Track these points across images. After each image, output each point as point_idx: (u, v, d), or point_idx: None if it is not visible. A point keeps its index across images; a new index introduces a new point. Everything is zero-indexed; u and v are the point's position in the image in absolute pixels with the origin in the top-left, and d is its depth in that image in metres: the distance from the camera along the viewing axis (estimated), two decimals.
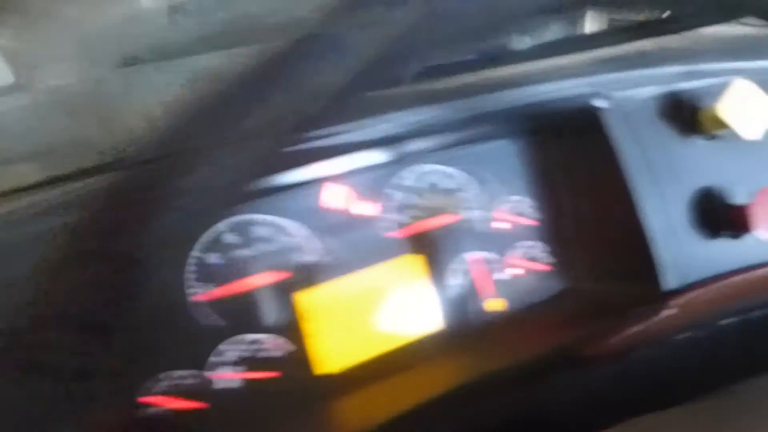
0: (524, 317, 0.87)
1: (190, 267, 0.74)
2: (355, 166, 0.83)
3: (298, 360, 0.78)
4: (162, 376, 0.72)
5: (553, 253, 0.91)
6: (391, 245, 0.84)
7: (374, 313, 0.82)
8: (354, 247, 0.82)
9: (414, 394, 0.73)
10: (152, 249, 0.68)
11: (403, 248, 0.84)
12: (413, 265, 0.84)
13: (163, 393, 0.72)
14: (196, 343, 0.74)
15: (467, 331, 0.86)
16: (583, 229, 0.88)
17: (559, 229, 0.91)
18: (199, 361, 0.74)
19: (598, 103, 0.81)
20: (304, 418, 0.72)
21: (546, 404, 0.73)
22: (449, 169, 0.88)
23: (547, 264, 0.91)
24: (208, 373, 0.74)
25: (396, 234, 0.84)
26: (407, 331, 0.83)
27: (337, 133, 0.69)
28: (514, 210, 0.90)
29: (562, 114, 0.82)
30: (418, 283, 0.84)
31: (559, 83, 0.79)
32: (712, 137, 0.84)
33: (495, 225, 0.89)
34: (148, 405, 0.71)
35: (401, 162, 0.85)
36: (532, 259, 0.90)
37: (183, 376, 0.73)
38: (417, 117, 0.74)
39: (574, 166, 0.88)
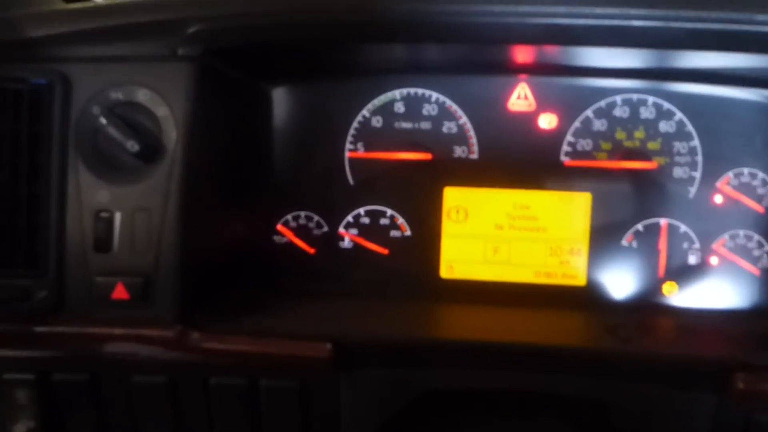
0: (700, 318, 0.70)
1: (355, 125, 0.74)
2: (560, 73, 0.72)
3: (425, 254, 0.75)
4: (298, 215, 0.76)
5: None
6: (566, 174, 0.72)
7: (522, 239, 0.73)
8: (526, 162, 0.73)
9: (536, 333, 0.65)
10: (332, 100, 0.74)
11: (580, 183, 0.72)
12: (586, 206, 0.72)
13: (293, 230, 0.76)
14: (338, 198, 0.76)
15: (619, 305, 0.73)
16: None
17: None
18: (335, 214, 0.76)
19: None
20: (405, 310, 0.70)
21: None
22: (670, 107, 0.70)
23: (758, 268, 0.71)
24: (339, 229, 0.76)
25: (577, 163, 0.72)
26: (549, 274, 0.73)
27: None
28: (739, 184, 0.70)
29: None
30: (583, 228, 0.73)
31: None
32: None
33: (707, 195, 0.71)
34: (280, 233, 0.77)
35: (614, 85, 0.71)
36: (742, 255, 0.71)
37: (315, 222, 0.76)
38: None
39: None
